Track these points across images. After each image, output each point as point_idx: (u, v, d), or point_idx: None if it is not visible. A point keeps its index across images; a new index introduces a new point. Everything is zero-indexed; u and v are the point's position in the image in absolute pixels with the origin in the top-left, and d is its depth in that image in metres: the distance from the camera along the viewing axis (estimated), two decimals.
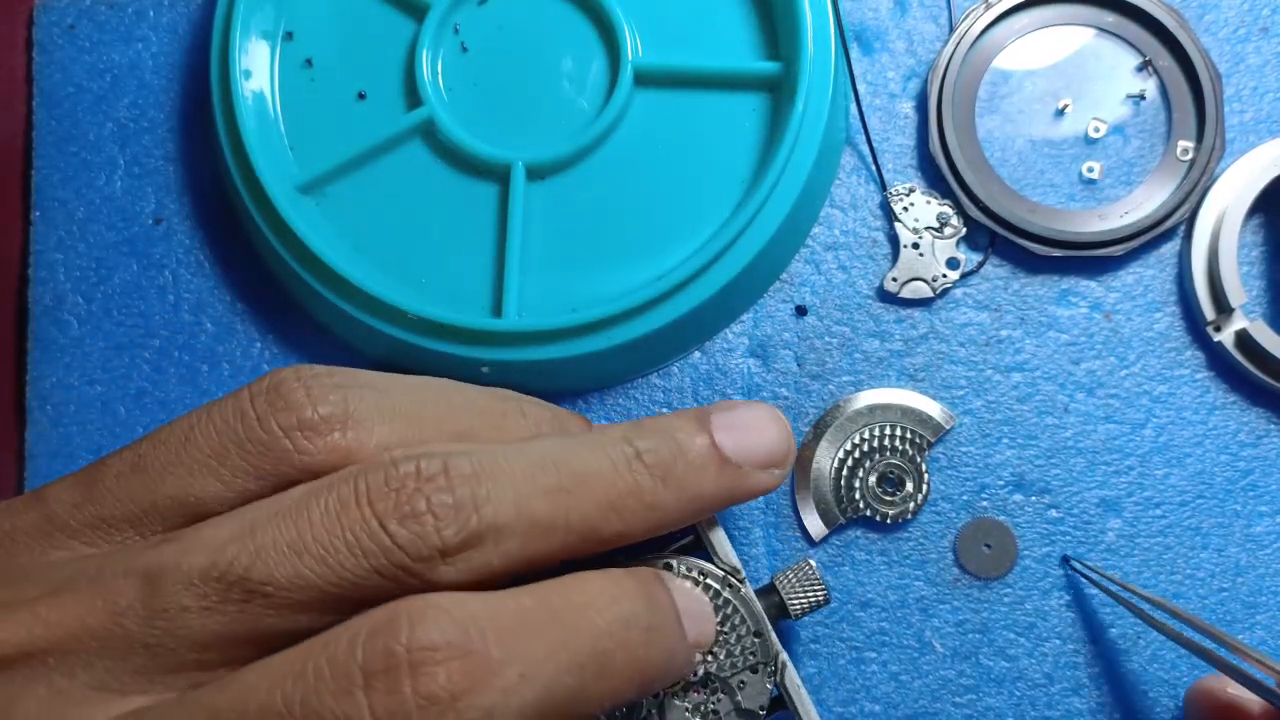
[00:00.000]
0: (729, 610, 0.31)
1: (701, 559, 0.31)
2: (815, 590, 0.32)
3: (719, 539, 0.32)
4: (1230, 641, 0.25)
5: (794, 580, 0.32)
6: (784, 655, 0.31)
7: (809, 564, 0.32)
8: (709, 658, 0.30)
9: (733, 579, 0.31)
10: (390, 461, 0.26)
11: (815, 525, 0.37)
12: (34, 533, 0.26)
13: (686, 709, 0.30)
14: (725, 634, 0.31)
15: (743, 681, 0.30)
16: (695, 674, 0.30)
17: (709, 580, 0.31)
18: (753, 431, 0.30)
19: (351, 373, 0.29)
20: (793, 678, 0.31)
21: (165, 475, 0.27)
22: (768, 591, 0.32)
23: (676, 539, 0.32)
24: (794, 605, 0.32)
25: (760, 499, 0.37)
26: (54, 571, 0.25)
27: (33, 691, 0.24)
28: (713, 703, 0.30)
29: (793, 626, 0.36)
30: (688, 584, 0.30)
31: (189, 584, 0.24)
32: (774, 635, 0.31)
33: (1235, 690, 0.24)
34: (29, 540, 0.26)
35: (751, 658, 0.30)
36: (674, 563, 0.31)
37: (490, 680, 0.23)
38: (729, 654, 0.30)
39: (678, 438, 0.29)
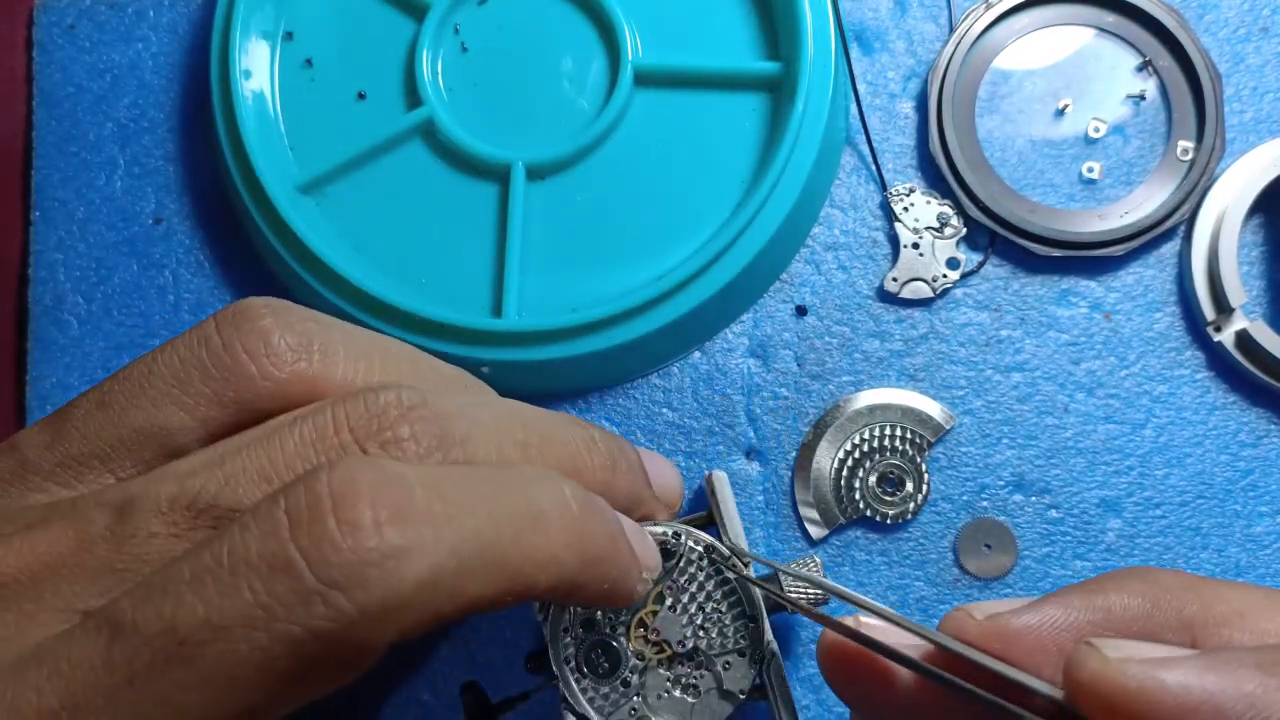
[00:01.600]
0: (727, 589, 0.31)
1: (711, 536, 0.31)
2: (816, 583, 0.32)
3: (732, 520, 0.32)
4: (878, 609, 0.26)
5: (796, 572, 0.32)
6: (774, 646, 0.31)
7: (814, 561, 0.32)
8: (701, 634, 0.31)
9: (737, 561, 0.31)
10: (369, 390, 0.26)
11: (815, 525, 0.37)
12: (9, 478, 0.26)
13: (669, 678, 0.31)
14: (721, 613, 0.31)
15: (728, 663, 0.31)
16: (684, 645, 0.31)
17: (713, 557, 0.31)
18: (662, 465, 0.33)
19: (316, 311, 0.29)
20: (779, 670, 0.31)
21: (129, 408, 0.27)
22: (769, 580, 0.32)
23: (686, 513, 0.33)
24: (793, 595, 0.32)
25: (760, 499, 0.37)
26: (31, 512, 0.26)
27: (1, 618, 0.24)
28: (695, 677, 0.31)
29: (794, 626, 0.36)
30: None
31: (158, 511, 0.24)
32: (768, 624, 0.31)
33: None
34: (5, 485, 0.26)
35: (741, 642, 0.31)
36: (682, 533, 0.31)
37: (417, 513, 0.23)
38: (720, 633, 0.31)
39: (620, 443, 0.31)
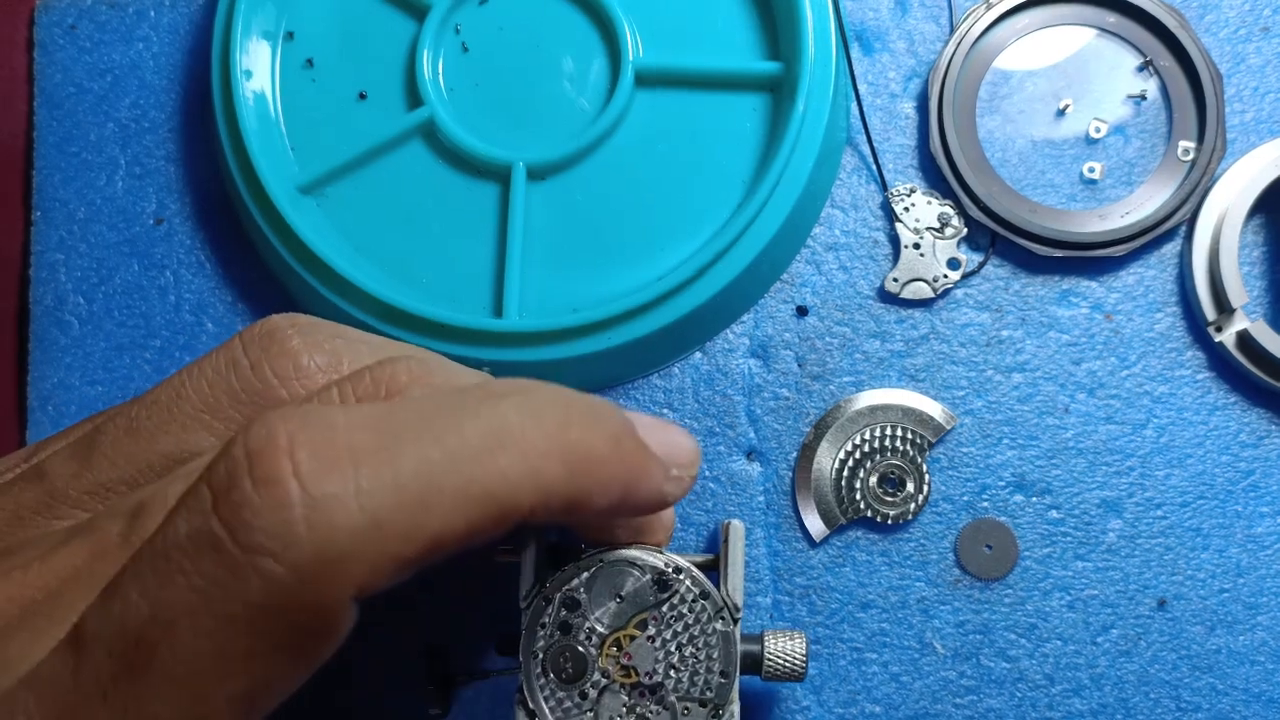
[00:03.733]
0: (713, 640, 0.31)
1: (711, 581, 0.31)
2: (796, 663, 0.32)
3: (735, 573, 0.32)
4: None
5: (781, 645, 0.32)
6: (736, 707, 0.30)
7: (801, 637, 0.32)
8: (672, 672, 0.30)
9: (729, 614, 0.31)
10: (376, 366, 0.25)
11: (816, 525, 0.37)
12: (37, 507, 0.26)
13: (625, 704, 0.30)
14: (697, 660, 0.30)
15: (687, 708, 0.30)
16: (651, 677, 0.30)
17: (705, 604, 0.31)
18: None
19: (342, 326, 0.28)
20: None
21: (159, 434, 0.26)
22: (752, 640, 0.32)
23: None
24: (769, 665, 0.32)
25: (761, 499, 0.37)
26: (54, 537, 0.25)
27: (16, 638, 0.23)
28: (651, 712, 0.30)
29: (771, 691, 0.36)
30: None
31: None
32: (738, 684, 0.30)
33: None
34: (33, 515, 0.26)
35: (708, 693, 0.30)
36: (684, 570, 0.31)
37: (340, 453, 0.21)
38: (690, 679, 0.30)
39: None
